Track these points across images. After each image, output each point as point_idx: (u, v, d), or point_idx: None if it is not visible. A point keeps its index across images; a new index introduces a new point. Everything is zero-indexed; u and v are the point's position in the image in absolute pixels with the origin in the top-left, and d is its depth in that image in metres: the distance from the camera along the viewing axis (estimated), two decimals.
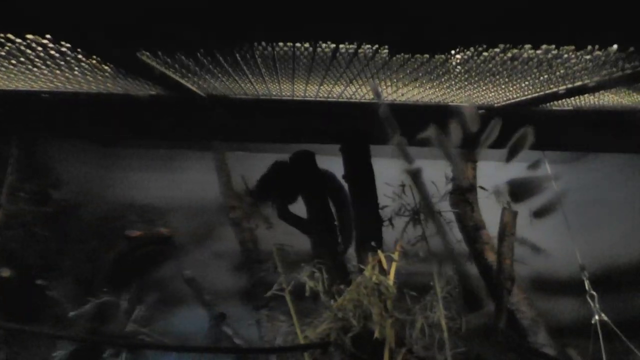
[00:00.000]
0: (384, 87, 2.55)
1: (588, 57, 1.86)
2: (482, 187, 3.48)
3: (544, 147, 3.31)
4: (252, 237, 4.35)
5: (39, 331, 3.23)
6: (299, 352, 3.10)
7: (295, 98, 2.93)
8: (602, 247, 3.88)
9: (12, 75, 2.37)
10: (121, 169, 4.66)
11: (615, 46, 1.73)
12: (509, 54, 1.87)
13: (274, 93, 2.85)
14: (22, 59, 2.06)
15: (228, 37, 1.85)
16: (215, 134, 3.52)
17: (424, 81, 2.37)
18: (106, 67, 2.25)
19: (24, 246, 3.96)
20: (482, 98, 2.70)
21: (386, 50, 1.91)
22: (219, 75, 2.40)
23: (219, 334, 4.11)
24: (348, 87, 2.61)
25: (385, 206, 3.12)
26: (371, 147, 3.26)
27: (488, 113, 2.65)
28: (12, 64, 2.15)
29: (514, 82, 2.32)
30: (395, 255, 2.97)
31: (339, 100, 2.91)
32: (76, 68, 2.22)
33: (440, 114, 2.43)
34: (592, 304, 3.18)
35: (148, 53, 2.04)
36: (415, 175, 2.78)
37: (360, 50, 1.92)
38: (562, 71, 2.07)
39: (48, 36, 1.80)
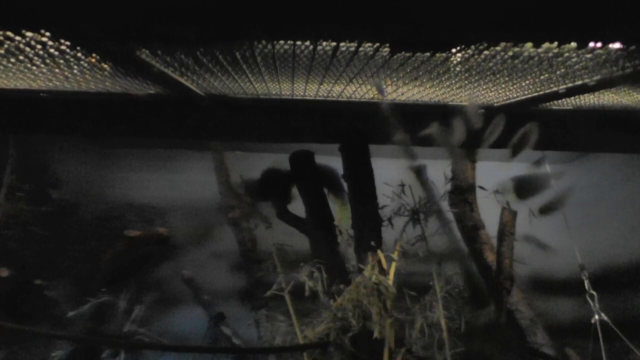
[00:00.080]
0: (384, 86, 2.55)
1: (589, 55, 1.86)
2: (481, 187, 3.48)
3: (544, 147, 3.31)
4: (251, 237, 4.35)
5: (38, 331, 3.22)
6: (298, 352, 3.10)
7: (294, 97, 2.93)
8: (602, 247, 3.89)
9: (11, 74, 2.36)
10: (120, 169, 4.65)
11: (616, 44, 1.73)
12: (510, 53, 1.87)
13: (273, 92, 2.84)
14: (21, 57, 2.06)
15: (228, 35, 1.84)
16: (214, 133, 3.51)
17: (424, 80, 2.36)
18: (105, 66, 2.24)
19: (23, 246, 3.95)
20: (482, 97, 2.70)
21: (387, 49, 1.90)
22: (219, 74, 2.39)
23: (218, 334, 4.10)
24: (348, 86, 2.60)
25: (385, 206, 3.12)
26: (371, 146, 3.25)
27: (487, 112, 2.64)
28: (11, 63, 2.14)
29: (514, 81, 2.32)
30: (395, 255, 2.97)
31: (339, 99, 2.91)
32: (75, 66, 2.21)
33: (441, 113, 2.43)
34: (592, 303, 3.18)
35: (147, 51, 2.03)
36: (419, 172, 2.77)
37: (360, 49, 1.91)
38: (562, 70, 2.07)
39: (47, 34, 1.79)
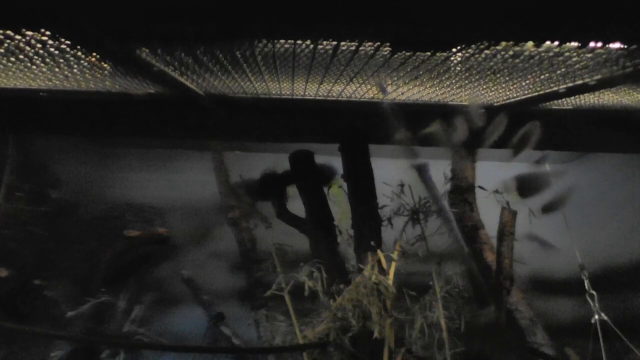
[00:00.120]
0: (386, 85, 2.55)
1: (589, 55, 1.86)
2: (481, 187, 3.48)
3: (544, 147, 3.31)
4: (250, 236, 4.35)
5: (38, 331, 3.21)
6: (297, 352, 3.10)
7: (294, 97, 2.92)
8: (602, 247, 3.89)
9: (10, 73, 2.36)
10: (120, 169, 4.65)
11: (617, 44, 1.73)
12: (511, 52, 1.86)
13: (273, 92, 2.84)
14: (20, 56, 2.05)
15: (228, 34, 1.84)
16: (214, 133, 3.50)
17: (425, 79, 2.36)
18: (105, 65, 2.23)
19: (23, 246, 3.94)
20: (482, 97, 2.70)
21: (387, 49, 1.90)
22: (219, 73, 2.39)
23: (218, 334, 4.10)
24: (348, 86, 2.60)
25: (385, 206, 3.11)
26: (371, 146, 3.25)
27: (488, 112, 2.64)
28: (11, 62, 2.14)
29: (515, 81, 2.32)
30: (395, 255, 2.97)
31: (339, 99, 2.90)
32: (75, 66, 2.21)
33: (441, 113, 2.42)
34: (591, 303, 3.18)
35: (147, 51, 2.03)
36: (421, 171, 2.77)
37: (361, 49, 1.91)
38: (563, 69, 2.07)
39: (47, 33, 1.79)
